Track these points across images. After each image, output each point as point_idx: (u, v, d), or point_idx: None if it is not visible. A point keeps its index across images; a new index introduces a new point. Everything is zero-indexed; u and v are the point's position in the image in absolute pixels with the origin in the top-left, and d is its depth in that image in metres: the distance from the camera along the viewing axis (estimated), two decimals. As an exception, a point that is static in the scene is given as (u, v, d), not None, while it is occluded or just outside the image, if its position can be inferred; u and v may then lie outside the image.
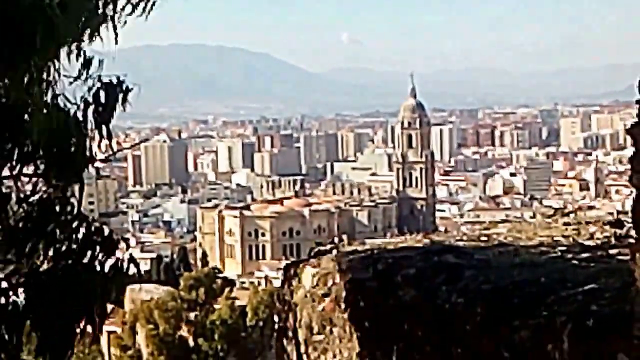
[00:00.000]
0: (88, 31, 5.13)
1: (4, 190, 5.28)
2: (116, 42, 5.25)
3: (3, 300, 5.20)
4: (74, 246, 5.27)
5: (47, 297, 5.17)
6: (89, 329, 5.51)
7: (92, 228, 5.36)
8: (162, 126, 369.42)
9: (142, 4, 5.28)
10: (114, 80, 5.33)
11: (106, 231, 5.45)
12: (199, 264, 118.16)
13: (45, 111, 5.13)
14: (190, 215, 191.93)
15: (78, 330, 5.41)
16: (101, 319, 5.47)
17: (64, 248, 5.26)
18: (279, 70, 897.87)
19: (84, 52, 5.19)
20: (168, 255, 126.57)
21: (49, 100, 5.21)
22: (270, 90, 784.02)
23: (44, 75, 5.08)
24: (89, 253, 5.31)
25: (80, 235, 5.29)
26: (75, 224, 5.29)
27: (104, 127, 5.35)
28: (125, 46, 5.32)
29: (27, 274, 5.23)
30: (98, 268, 5.36)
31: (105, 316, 5.47)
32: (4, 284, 5.24)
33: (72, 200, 5.35)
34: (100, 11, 5.13)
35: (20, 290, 5.22)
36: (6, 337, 5.18)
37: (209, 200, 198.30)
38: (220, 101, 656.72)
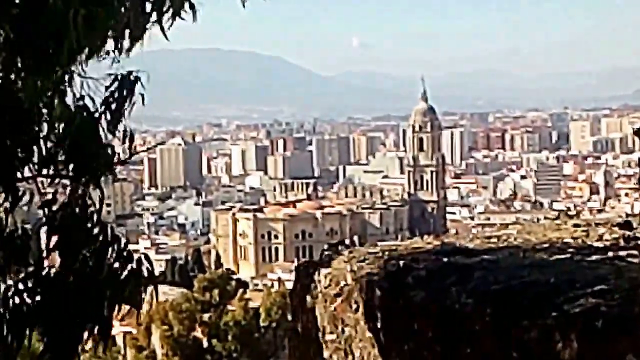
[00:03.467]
0: (112, 39, 5.25)
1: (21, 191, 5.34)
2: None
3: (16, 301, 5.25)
4: (90, 251, 5.32)
5: (57, 299, 5.22)
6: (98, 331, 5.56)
7: (109, 236, 5.40)
8: (177, 129, 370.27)
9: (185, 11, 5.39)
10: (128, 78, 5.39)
11: (123, 240, 5.49)
12: (213, 265, 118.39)
13: (65, 113, 5.23)
14: (205, 217, 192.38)
15: (86, 334, 5.45)
16: (109, 322, 5.51)
17: (80, 252, 5.31)
18: (291, 73, 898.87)
19: (103, 57, 5.30)
20: (182, 257, 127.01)
21: (69, 102, 5.30)
22: (283, 93, 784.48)
23: (66, 78, 5.19)
24: (104, 259, 5.35)
25: (97, 242, 5.33)
26: (93, 230, 5.35)
27: (118, 126, 5.40)
28: (139, 51, 5.39)
29: (41, 276, 5.29)
30: (112, 272, 5.41)
31: (111, 320, 5.50)
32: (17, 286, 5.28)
33: (92, 205, 5.40)
34: (128, 19, 5.24)
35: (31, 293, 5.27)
36: (10, 339, 5.24)
37: (223, 202, 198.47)
38: (233, 105, 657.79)
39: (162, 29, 5.39)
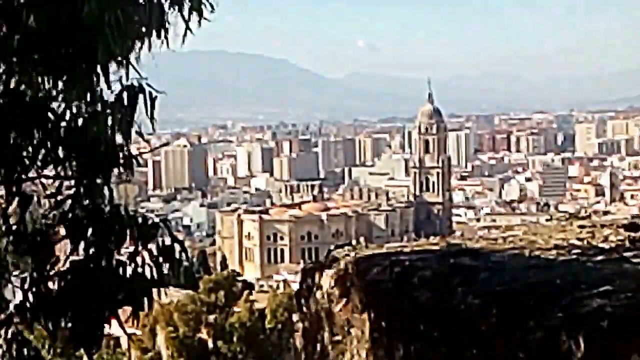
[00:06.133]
0: (137, 43, 5.30)
1: (28, 190, 5.38)
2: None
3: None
4: (105, 239, 5.37)
5: (78, 289, 5.26)
6: (112, 330, 5.61)
7: (125, 219, 5.45)
8: (182, 131, 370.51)
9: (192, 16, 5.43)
10: (137, 85, 5.41)
11: (140, 219, 5.54)
12: (218, 267, 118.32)
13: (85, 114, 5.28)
14: (210, 219, 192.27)
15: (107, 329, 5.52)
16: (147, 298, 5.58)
17: (95, 242, 5.35)
18: (297, 76, 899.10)
19: (128, 61, 5.34)
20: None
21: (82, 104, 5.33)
22: (288, 95, 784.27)
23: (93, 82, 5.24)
24: (121, 246, 5.42)
25: (111, 229, 5.39)
26: (105, 218, 5.39)
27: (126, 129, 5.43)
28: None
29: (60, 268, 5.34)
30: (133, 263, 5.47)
31: (149, 309, 5.57)
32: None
33: (101, 196, 5.45)
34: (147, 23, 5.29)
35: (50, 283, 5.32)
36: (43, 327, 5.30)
37: (228, 204, 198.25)
38: (239, 106, 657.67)
39: (187, 28, 5.44)
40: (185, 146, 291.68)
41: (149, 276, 5.48)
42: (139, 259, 5.47)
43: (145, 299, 5.52)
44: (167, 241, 5.70)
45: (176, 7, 5.37)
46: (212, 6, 5.48)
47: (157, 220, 5.64)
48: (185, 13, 5.43)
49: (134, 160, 5.55)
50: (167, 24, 5.41)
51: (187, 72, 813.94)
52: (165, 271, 5.60)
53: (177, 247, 5.73)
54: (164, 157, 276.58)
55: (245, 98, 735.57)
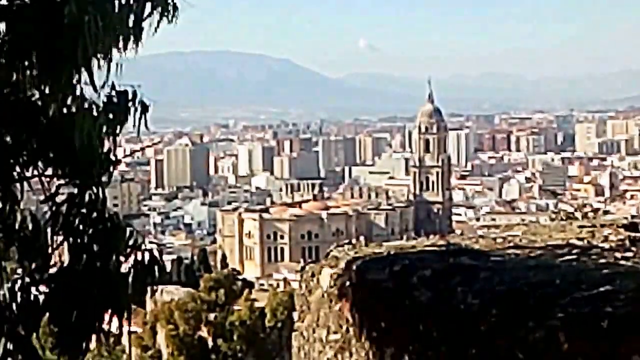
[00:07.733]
0: (120, 42, 5.26)
1: (26, 190, 5.38)
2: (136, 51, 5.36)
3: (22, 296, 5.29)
4: (97, 244, 5.36)
5: (68, 293, 5.26)
6: (111, 328, 5.60)
7: (114, 227, 5.45)
8: (184, 130, 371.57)
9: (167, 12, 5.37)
10: (130, 90, 5.40)
11: (128, 230, 5.53)
12: (219, 265, 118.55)
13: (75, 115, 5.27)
14: (211, 217, 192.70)
15: (102, 328, 5.50)
16: (120, 318, 5.54)
17: (85, 246, 5.35)
18: (298, 75, 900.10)
19: (110, 60, 5.29)
20: (188, 257, 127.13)
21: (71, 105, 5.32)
22: (290, 95, 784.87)
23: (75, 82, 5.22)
24: (110, 251, 5.40)
25: (103, 234, 5.38)
26: (98, 223, 5.39)
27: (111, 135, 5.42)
28: (150, 53, 5.40)
29: (49, 271, 5.33)
30: (121, 267, 5.46)
31: (127, 316, 5.54)
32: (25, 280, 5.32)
33: (96, 200, 5.44)
34: (130, 20, 5.25)
35: (42, 287, 5.31)
36: (23, 332, 5.29)
37: (229, 203, 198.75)
38: (241, 106, 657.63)
39: (140, 31, 5.36)
40: (187, 145, 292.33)
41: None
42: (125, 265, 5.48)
43: (127, 306, 5.52)
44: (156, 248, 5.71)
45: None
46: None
47: (143, 229, 5.64)
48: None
49: (113, 164, 5.54)
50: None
51: (190, 71, 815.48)
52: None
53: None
54: (166, 156, 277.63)
55: (247, 97, 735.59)
